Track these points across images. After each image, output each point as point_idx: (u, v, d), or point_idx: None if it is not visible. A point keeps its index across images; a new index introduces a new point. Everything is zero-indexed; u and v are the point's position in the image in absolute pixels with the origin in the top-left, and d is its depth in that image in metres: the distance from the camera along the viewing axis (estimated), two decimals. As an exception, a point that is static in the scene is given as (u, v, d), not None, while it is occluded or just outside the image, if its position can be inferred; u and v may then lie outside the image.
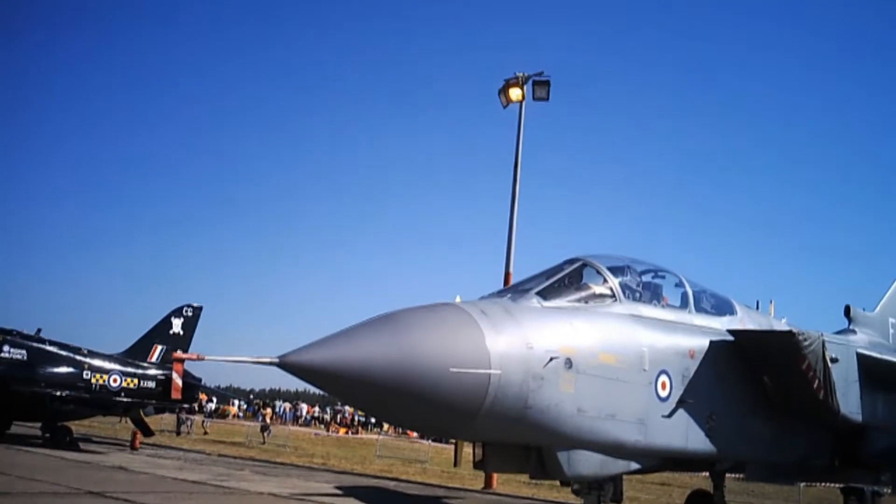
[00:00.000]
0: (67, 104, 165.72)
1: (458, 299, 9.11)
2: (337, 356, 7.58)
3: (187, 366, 34.29)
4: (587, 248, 10.91)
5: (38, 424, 29.65)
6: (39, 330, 30.85)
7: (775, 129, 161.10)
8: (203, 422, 47.30)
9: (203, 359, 8.21)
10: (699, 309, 11.26)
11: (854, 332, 15.44)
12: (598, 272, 10.25)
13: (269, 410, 57.22)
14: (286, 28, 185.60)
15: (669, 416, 10.01)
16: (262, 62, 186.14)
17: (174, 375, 29.83)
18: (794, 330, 11.29)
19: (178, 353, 31.09)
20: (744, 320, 11.82)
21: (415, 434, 56.35)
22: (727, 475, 13.64)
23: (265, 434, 43.80)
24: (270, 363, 7.55)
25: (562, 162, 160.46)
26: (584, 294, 9.94)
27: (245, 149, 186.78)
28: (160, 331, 33.98)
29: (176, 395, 28.59)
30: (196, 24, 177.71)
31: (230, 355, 8.05)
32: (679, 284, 11.39)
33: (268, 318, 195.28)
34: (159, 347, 32.89)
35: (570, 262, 10.28)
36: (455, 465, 32.59)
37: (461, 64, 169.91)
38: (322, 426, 71.30)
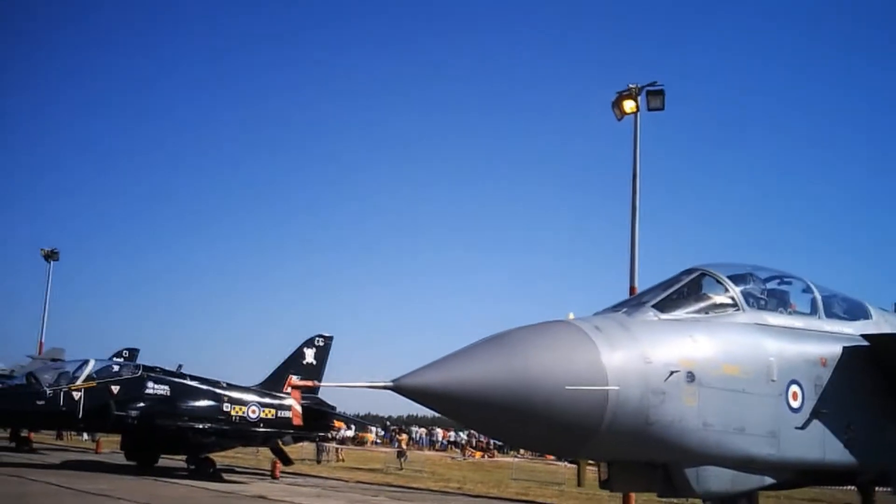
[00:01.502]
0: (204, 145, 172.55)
1: (570, 316, 8.94)
2: (450, 378, 7.55)
3: (322, 394, 35.25)
4: (718, 258, 10.58)
5: (183, 457, 30.82)
6: (181, 366, 32.28)
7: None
8: (337, 449, 48.07)
9: (318, 385, 8.34)
10: (830, 314, 10.73)
11: None
12: (718, 281, 9.90)
13: (404, 436, 57.75)
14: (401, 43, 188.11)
15: (803, 427, 9.56)
16: (387, 89, 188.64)
17: (292, 402, 30.74)
18: (937, 332, 10.64)
19: (294, 381, 31.87)
20: (879, 324, 11.19)
21: (551, 456, 55.86)
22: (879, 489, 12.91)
23: (401, 460, 44.24)
24: (385, 387, 7.58)
25: (686, 170, 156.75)
26: (703, 304, 9.61)
27: (362, 174, 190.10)
28: (294, 361, 34.99)
29: (297, 421, 29.26)
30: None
31: (346, 381, 8.15)
32: (806, 290, 10.89)
33: (395, 342, 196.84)
34: (294, 378, 33.75)
35: (688, 272, 9.97)
36: (578, 484, 32.24)
37: (572, 77, 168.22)
38: (457, 450, 71.55)
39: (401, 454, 45.56)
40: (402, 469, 41.67)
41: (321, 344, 36.15)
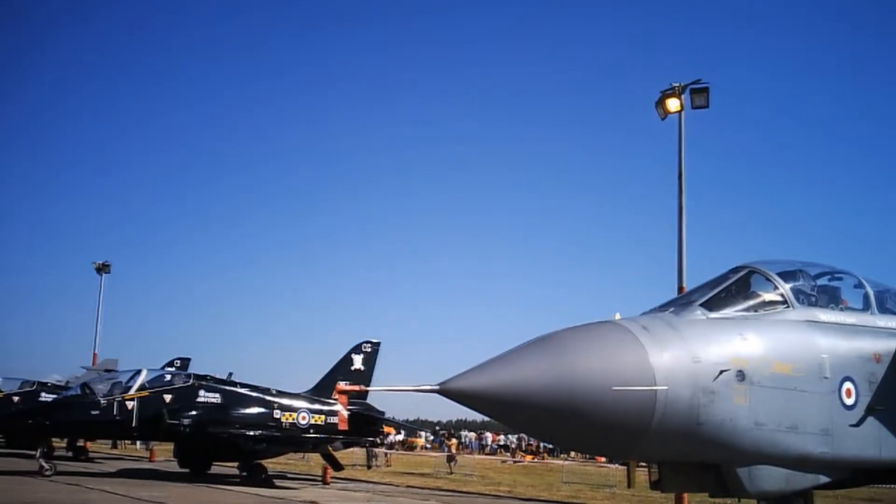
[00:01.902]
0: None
1: (616, 316, 8.88)
2: (496, 380, 7.53)
3: (372, 400, 35.39)
4: (769, 255, 10.44)
5: (235, 464, 31.10)
6: (231, 374, 32.56)
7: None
8: (385, 454, 48.15)
9: (365, 390, 8.36)
10: (883, 310, 10.52)
11: None
12: (767, 279, 9.77)
13: (453, 441, 57.68)
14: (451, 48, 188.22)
15: (858, 424, 9.38)
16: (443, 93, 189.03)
17: (339, 407, 30.95)
18: None
19: (340, 385, 32.01)
20: (936, 319, 10.95)
21: (603, 458, 55.48)
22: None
23: (451, 464, 44.23)
24: (431, 391, 7.59)
25: (730, 167, 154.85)
26: (752, 302, 9.48)
27: (414, 179, 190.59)
28: (342, 367, 35.18)
29: (343, 426, 29.37)
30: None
31: (393, 385, 8.17)
32: (858, 285, 10.69)
33: (442, 347, 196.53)
34: (341, 383, 33.93)
35: (736, 270, 9.86)
36: (629, 486, 32.00)
37: (615, 76, 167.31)
38: (508, 454, 71.36)
39: (450, 458, 45.50)
40: (451, 473, 41.64)
41: (369, 350, 36.34)
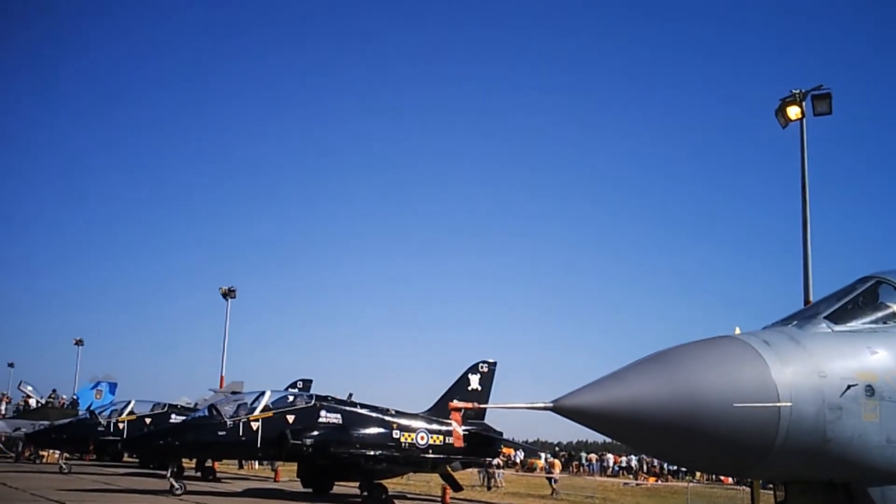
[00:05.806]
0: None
1: (737, 331, 8.65)
2: (612, 397, 7.43)
3: (490, 420, 35.33)
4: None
5: (356, 484, 31.46)
6: (351, 394, 32.97)
7: None
8: (495, 474, 47.98)
9: (478, 407, 8.33)
10: None
11: None
12: (897, 289, 9.33)
13: (556, 461, 57.58)
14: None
15: None
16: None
17: (453, 425, 30.92)
18: None
19: (454, 403, 31.81)
20: None
21: (730, 480, 53.94)
22: None
23: (553, 484, 44.17)
24: (545, 408, 7.53)
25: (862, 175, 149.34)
26: (881, 314, 9.04)
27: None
28: (459, 388, 35.20)
29: (458, 443, 29.31)
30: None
31: (506, 403, 8.15)
32: None
33: (561, 366, 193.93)
34: (454, 401, 34.00)
35: (863, 280, 9.43)
36: (752, 506, 30.98)
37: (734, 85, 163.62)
38: (630, 475, 70.17)
39: (551, 480, 45.30)
40: (553, 494, 41.33)
41: (485, 370, 36.29)
